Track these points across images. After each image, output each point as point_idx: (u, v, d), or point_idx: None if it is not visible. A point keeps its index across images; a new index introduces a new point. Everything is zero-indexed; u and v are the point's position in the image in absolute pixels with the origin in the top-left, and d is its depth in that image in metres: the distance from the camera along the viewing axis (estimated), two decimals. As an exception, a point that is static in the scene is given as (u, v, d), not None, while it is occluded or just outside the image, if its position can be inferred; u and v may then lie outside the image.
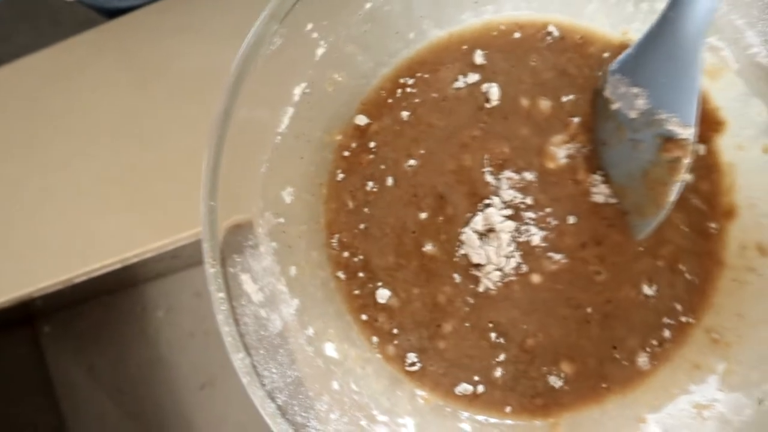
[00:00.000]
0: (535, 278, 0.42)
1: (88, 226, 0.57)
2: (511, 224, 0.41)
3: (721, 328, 0.40)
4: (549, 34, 0.43)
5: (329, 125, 0.44)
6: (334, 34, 0.40)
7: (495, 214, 0.41)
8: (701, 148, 0.41)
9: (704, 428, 0.38)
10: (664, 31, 0.35)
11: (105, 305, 0.83)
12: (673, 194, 0.38)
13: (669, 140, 0.38)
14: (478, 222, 0.41)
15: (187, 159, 0.55)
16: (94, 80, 0.57)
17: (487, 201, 0.42)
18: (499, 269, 0.41)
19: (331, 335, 0.42)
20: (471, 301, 0.42)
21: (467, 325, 0.42)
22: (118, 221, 0.57)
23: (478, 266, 0.42)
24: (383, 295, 0.43)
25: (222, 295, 0.35)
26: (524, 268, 0.42)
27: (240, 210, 0.38)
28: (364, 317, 0.43)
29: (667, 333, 0.41)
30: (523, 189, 0.42)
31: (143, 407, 0.81)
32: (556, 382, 0.41)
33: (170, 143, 0.55)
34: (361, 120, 0.44)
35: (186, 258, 0.72)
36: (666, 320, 0.41)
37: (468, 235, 0.42)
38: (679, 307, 0.41)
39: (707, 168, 0.42)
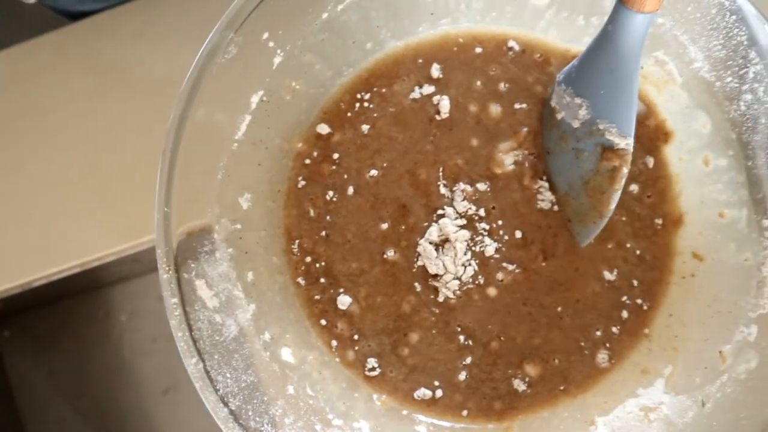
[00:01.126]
0: (491, 291, 0.43)
1: (47, 230, 0.56)
2: (465, 233, 0.42)
3: (668, 332, 0.41)
4: (510, 49, 0.44)
5: (288, 133, 0.44)
6: (290, 43, 0.40)
7: (449, 225, 0.42)
8: (650, 161, 0.43)
9: (650, 430, 0.40)
10: (604, 44, 0.36)
11: (66, 309, 0.82)
12: (613, 202, 0.40)
13: (608, 150, 0.39)
14: (433, 233, 0.42)
15: (146, 163, 0.54)
16: (54, 83, 0.56)
17: (440, 212, 0.43)
18: (457, 278, 0.42)
19: (288, 340, 0.42)
20: (436, 311, 0.43)
21: (434, 332, 0.43)
22: (77, 225, 0.56)
23: (436, 276, 0.42)
24: (344, 301, 0.43)
25: (175, 300, 0.35)
26: (481, 279, 0.42)
27: (195, 216, 0.38)
28: (323, 322, 0.44)
29: (625, 314, 0.42)
30: (476, 201, 0.43)
31: (104, 412, 0.80)
32: (519, 385, 0.42)
33: (130, 147, 0.55)
34: (323, 129, 0.44)
35: (148, 262, 0.72)
36: (625, 299, 0.42)
37: (424, 246, 0.42)
38: (632, 299, 0.43)
39: (655, 178, 0.44)
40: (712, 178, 0.42)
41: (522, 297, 0.43)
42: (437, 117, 0.44)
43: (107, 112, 0.56)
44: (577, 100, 0.39)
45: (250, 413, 0.37)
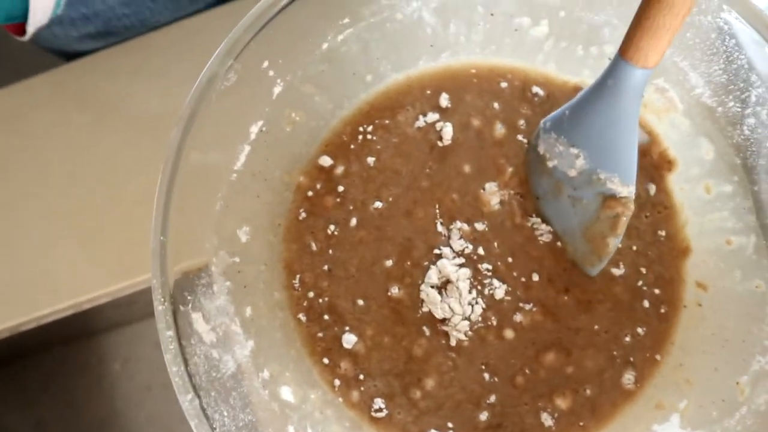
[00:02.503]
0: (509, 333, 0.41)
1: (39, 270, 0.55)
2: (466, 271, 0.41)
3: (678, 364, 0.40)
4: (535, 95, 0.44)
5: (289, 165, 0.44)
6: (290, 73, 0.40)
7: (447, 265, 0.41)
8: (652, 189, 0.42)
9: (668, 468, 0.38)
10: (602, 97, 0.35)
11: (57, 357, 0.79)
12: (614, 247, 0.39)
13: (610, 198, 0.39)
14: (432, 276, 0.41)
15: (143, 201, 0.54)
16: (48, 121, 0.56)
17: (437, 251, 0.42)
18: (466, 318, 0.41)
19: (288, 378, 0.41)
20: (452, 355, 0.41)
21: (452, 374, 0.41)
22: (71, 264, 0.55)
23: (444, 321, 0.41)
24: (349, 340, 0.41)
25: (170, 333, 0.34)
26: (494, 320, 0.41)
27: (193, 247, 0.37)
28: (325, 361, 0.42)
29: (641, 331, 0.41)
30: (474, 240, 0.42)
31: (95, 465, 0.77)
32: (547, 419, 0.40)
33: (125, 185, 0.54)
34: (325, 161, 0.44)
35: (144, 306, 0.70)
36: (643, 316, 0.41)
37: (426, 291, 0.41)
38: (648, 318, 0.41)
39: (662, 207, 0.43)
40: (717, 205, 0.41)
41: (547, 331, 0.41)
42: (439, 144, 0.43)
43: (103, 150, 0.55)
44: (573, 150, 0.39)
45: (248, 454, 0.35)
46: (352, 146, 0.44)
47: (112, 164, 0.55)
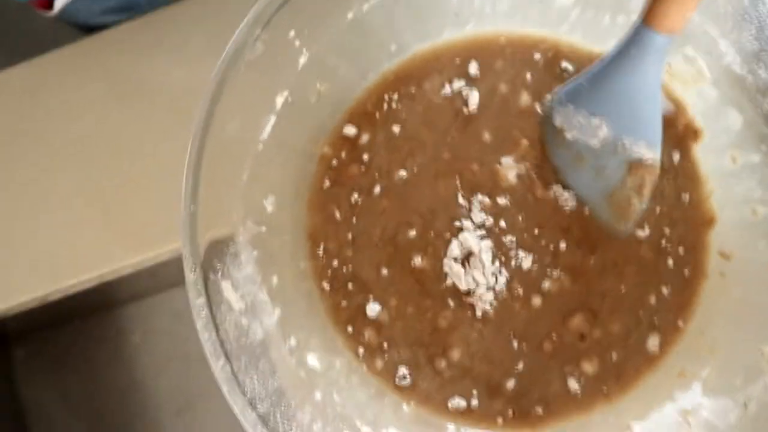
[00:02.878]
0: (536, 300, 0.41)
1: (66, 242, 0.56)
2: (488, 243, 0.41)
3: (701, 332, 0.40)
4: (564, 69, 0.44)
5: (313, 135, 0.44)
6: (316, 43, 0.40)
7: (469, 238, 0.41)
8: (676, 156, 0.42)
9: (690, 434, 0.38)
10: (623, 65, 0.35)
11: (79, 329, 0.81)
12: (641, 210, 0.40)
13: (636, 164, 0.39)
14: (455, 249, 0.41)
15: (167, 173, 0.54)
16: (72, 95, 0.57)
17: (457, 223, 0.42)
18: (491, 288, 0.41)
19: (314, 346, 0.41)
20: (479, 326, 0.41)
21: (479, 345, 0.41)
22: (96, 236, 0.56)
23: (468, 293, 0.41)
24: (373, 309, 0.42)
25: (202, 300, 0.35)
26: (520, 291, 0.41)
27: (221, 216, 0.38)
28: (349, 330, 0.42)
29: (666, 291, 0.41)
30: (495, 213, 0.42)
31: (118, 433, 0.78)
32: (573, 384, 0.40)
33: (150, 157, 0.55)
34: (350, 130, 0.44)
35: (165, 277, 0.71)
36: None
37: (450, 264, 0.41)
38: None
39: (687, 177, 0.43)
40: (743, 176, 0.41)
41: (574, 295, 0.41)
42: (465, 111, 0.43)
43: (126, 122, 0.55)
44: (595, 120, 0.39)
45: (278, 418, 0.35)
46: (377, 115, 0.44)
47: (134, 137, 0.55)
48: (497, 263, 0.41)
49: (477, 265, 0.41)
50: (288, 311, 0.41)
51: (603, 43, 0.44)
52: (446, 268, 0.41)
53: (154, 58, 0.56)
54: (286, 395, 0.37)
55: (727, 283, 0.41)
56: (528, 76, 0.44)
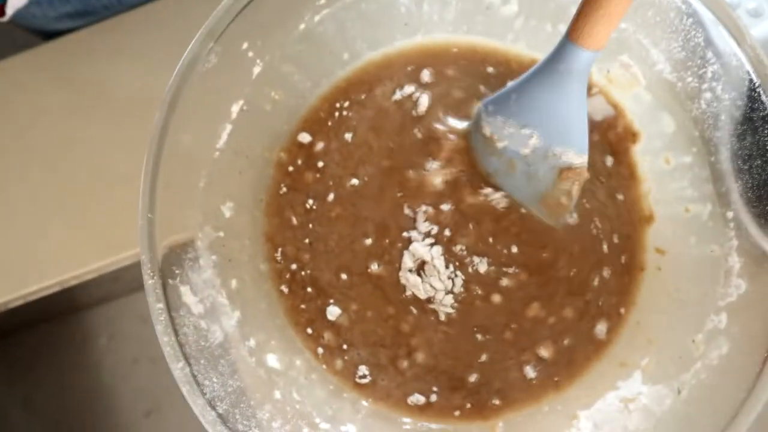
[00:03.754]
0: (496, 297, 0.43)
1: (25, 248, 0.56)
2: (438, 248, 0.43)
3: (640, 324, 0.43)
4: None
5: (270, 142, 0.45)
6: (269, 53, 0.41)
7: (419, 248, 0.42)
8: (609, 160, 0.45)
9: (630, 420, 0.40)
10: (551, 78, 0.37)
11: (42, 333, 0.80)
12: (571, 207, 0.42)
13: (566, 169, 0.41)
14: (407, 261, 0.43)
15: (125, 179, 0.55)
16: (29, 101, 0.57)
17: (405, 234, 0.43)
18: (449, 292, 0.43)
19: (273, 347, 0.43)
20: (443, 328, 0.43)
21: (444, 345, 0.43)
22: (57, 242, 0.56)
23: (429, 300, 0.43)
24: (333, 312, 0.43)
25: (161, 305, 0.36)
26: (479, 290, 0.43)
27: (179, 222, 0.39)
28: (309, 331, 0.44)
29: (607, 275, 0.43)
30: (439, 222, 0.43)
31: (84, 438, 0.79)
32: (529, 372, 0.42)
33: (108, 164, 0.55)
34: (304, 138, 0.45)
35: (128, 282, 0.71)
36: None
37: (406, 277, 0.43)
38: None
39: (625, 177, 0.45)
40: (676, 176, 0.44)
41: (531, 286, 0.43)
42: (414, 113, 0.45)
43: (84, 129, 0.56)
44: (526, 131, 0.40)
45: (237, 417, 0.37)
46: (329, 123, 0.45)
47: (94, 144, 0.56)
48: (451, 267, 0.43)
49: (432, 272, 0.42)
50: (247, 313, 0.42)
51: (543, 51, 0.46)
52: (403, 281, 0.43)
53: (112, 65, 0.57)
54: (246, 395, 0.39)
55: (663, 277, 0.43)
56: (481, 88, 0.46)
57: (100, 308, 0.80)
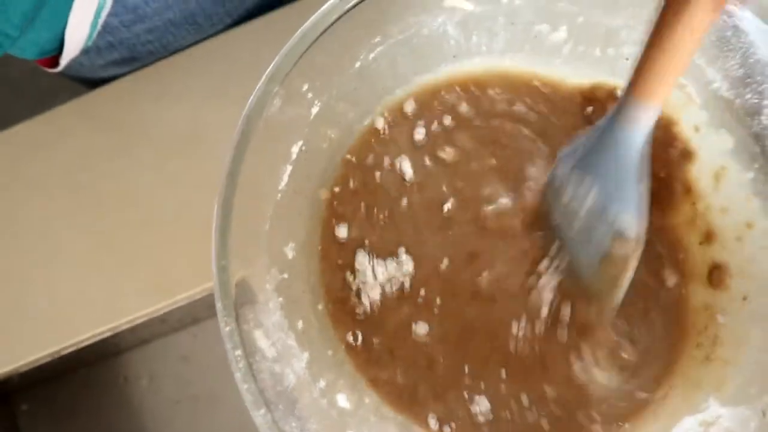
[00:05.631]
0: None
1: (77, 294, 0.56)
2: None
3: (714, 348, 0.42)
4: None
5: (322, 181, 0.45)
6: (326, 93, 0.42)
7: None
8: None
9: (713, 444, 0.40)
10: (612, 131, 0.36)
11: (84, 378, 0.80)
12: (623, 289, 0.40)
13: (619, 238, 0.38)
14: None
15: (174, 221, 0.55)
16: (78, 147, 0.57)
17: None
18: None
19: (342, 386, 0.42)
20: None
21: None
22: (107, 288, 0.56)
23: None
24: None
25: (239, 352, 0.36)
26: None
27: (248, 267, 0.39)
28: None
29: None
30: None
31: (130, 482, 0.78)
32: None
33: (157, 206, 0.55)
34: None
35: (173, 322, 0.71)
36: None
37: None
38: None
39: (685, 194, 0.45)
40: (739, 192, 0.43)
41: None
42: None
43: (132, 172, 0.56)
44: (587, 180, 0.38)
45: (319, 461, 0.36)
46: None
47: (141, 186, 0.56)
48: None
49: None
50: (315, 354, 0.42)
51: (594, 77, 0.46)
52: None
53: (157, 108, 0.58)
54: (323, 438, 0.38)
55: (731, 296, 0.43)
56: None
57: (140, 349, 0.80)
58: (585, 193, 0.39)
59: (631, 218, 0.37)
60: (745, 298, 0.42)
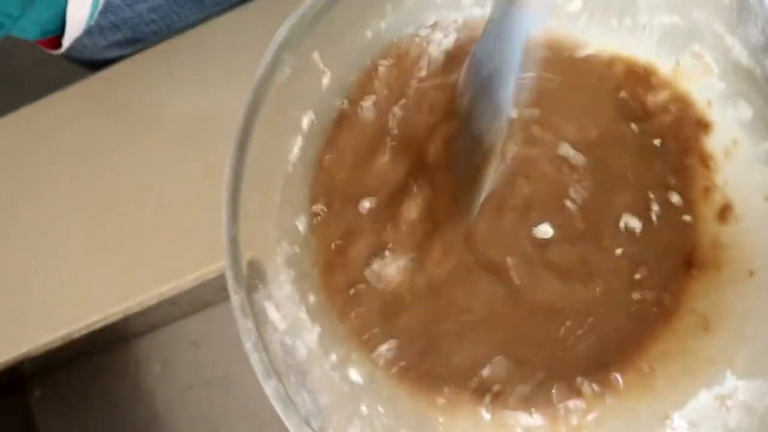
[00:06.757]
0: None
1: (86, 278, 0.56)
2: None
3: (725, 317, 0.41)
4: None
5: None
6: (337, 63, 0.41)
7: None
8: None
9: (730, 417, 0.39)
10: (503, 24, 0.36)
11: (96, 364, 0.80)
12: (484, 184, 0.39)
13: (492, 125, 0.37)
14: None
15: (184, 202, 0.55)
16: (83, 131, 0.57)
17: None
18: None
19: (353, 361, 0.42)
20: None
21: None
22: (116, 270, 0.56)
23: None
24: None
25: (250, 323, 0.35)
26: None
27: (258, 240, 0.38)
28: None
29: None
30: None
31: (142, 467, 0.78)
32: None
33: (167, 188, 0.55)
34: None
35: (183, 306, 0.71)
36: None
37: None
38: None
39: (699, 170, 0.44)
40: (756, 163, 0.42)
41: None
42: None
43: (139, 154, 0.56)
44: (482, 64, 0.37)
45: (331, 433, 0.36)
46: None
47: (151, 169, 0.56)
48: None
49: None
50: (326, 327, 0.41)
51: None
52: None
53: (163, 89, 0.57)
54: (335, 410, 0.38)
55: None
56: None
57: (152, 335, 0.80)
58: (477, 75, 0.38)
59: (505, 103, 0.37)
60: (752, 273, 0.41)
